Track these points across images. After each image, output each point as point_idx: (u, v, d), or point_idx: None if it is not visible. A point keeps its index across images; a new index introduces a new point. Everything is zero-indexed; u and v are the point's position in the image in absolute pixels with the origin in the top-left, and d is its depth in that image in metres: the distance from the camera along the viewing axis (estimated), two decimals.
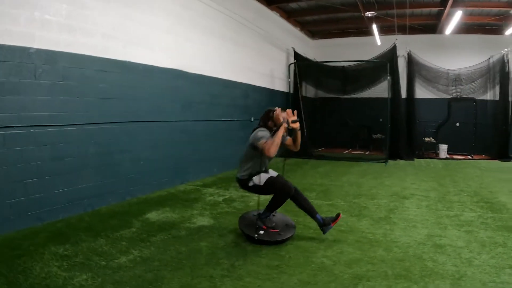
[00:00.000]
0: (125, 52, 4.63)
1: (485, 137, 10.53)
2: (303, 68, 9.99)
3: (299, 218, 3.65)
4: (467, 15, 8.72)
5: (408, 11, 9.01)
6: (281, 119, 3.17)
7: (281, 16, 9.67)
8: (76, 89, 3.95)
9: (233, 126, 7.39)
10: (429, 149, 10.32)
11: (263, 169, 3.34)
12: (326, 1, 8.79)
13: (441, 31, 10.37)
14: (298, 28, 10.97)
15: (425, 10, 9.26)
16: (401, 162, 8.87)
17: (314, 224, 3.31)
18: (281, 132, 3.09)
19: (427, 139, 10.33)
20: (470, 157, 10.22)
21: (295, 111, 3.21)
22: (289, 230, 3.30)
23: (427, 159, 9.49)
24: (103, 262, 2.68)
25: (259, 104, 8.44)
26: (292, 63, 9.84)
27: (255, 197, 4.82)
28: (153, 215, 3.99)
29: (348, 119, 11.25)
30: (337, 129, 11.53)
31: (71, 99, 3.91)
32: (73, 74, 3.91)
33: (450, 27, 9.20)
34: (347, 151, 11.13)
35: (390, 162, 8.51)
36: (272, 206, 3.30)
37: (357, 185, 5.69)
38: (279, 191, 3.20)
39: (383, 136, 10.20)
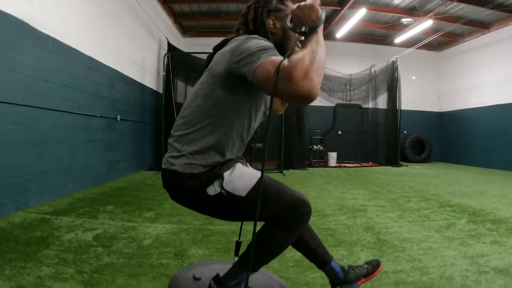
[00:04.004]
0: None
1: (369, 144, 10.53)
2: (177, 63, 8.42)
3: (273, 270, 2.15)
4: (359, 21, 9.02)
5: None
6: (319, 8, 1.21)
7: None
8: None
9: (94, 124, 5.35)
10: (317, 158, 9.90)
11: (239, 149, 1.49)
12: None
13: (327, 37, 10.73)
14: (172, 20, 9.50)
15: None
16: (296, 172, 8.32)
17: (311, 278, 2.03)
18: (321, 35, 1.20)
19: (315, 147, 10.01)
20: (358, 165, 10.02)
21: None
22: None
23: (320, 168, 9.21)
24: None
25: (126, 99, 6.60)
26: (166, 54, 8.14)
27: (150, 230, 3.10)
28: None
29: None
30: None
31: None
32: None
33: (345, 28, 9.52)
34: None
35: (285, 172, 7.94)
36: (260, 257, 1.44)
37: None
38: (288, 214, 1.40)
39: (263, 145, 9.65)
